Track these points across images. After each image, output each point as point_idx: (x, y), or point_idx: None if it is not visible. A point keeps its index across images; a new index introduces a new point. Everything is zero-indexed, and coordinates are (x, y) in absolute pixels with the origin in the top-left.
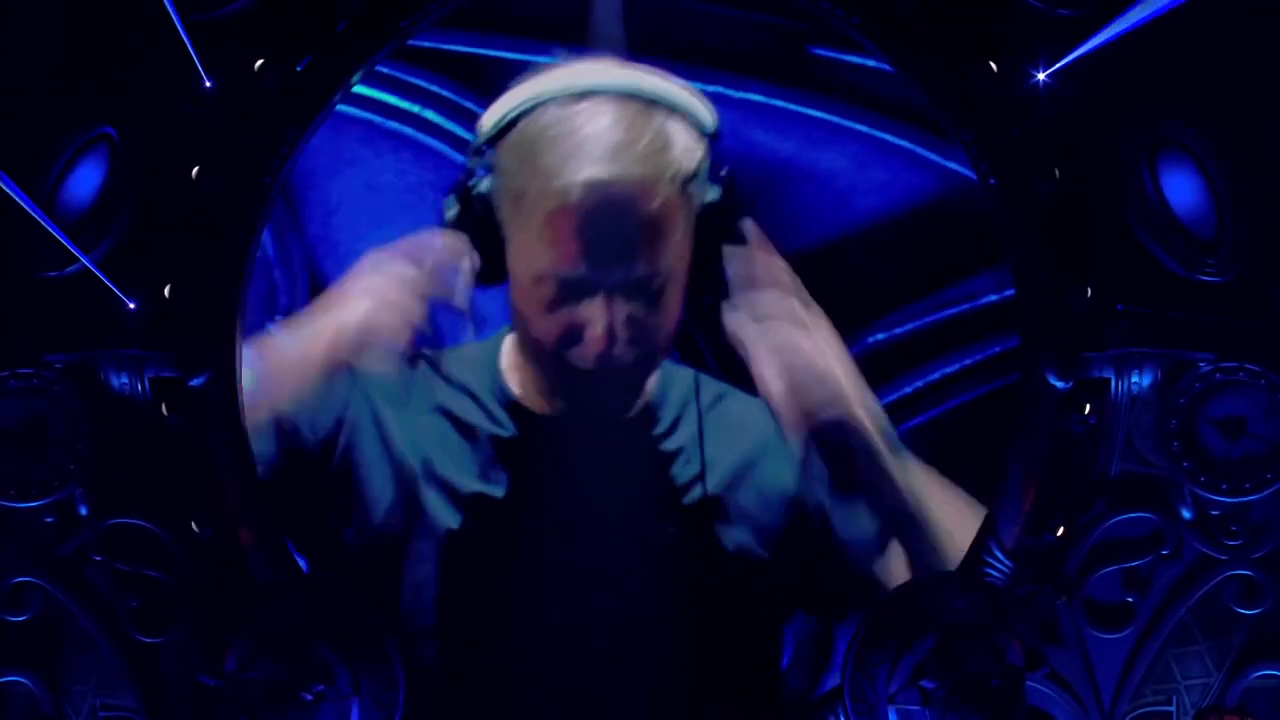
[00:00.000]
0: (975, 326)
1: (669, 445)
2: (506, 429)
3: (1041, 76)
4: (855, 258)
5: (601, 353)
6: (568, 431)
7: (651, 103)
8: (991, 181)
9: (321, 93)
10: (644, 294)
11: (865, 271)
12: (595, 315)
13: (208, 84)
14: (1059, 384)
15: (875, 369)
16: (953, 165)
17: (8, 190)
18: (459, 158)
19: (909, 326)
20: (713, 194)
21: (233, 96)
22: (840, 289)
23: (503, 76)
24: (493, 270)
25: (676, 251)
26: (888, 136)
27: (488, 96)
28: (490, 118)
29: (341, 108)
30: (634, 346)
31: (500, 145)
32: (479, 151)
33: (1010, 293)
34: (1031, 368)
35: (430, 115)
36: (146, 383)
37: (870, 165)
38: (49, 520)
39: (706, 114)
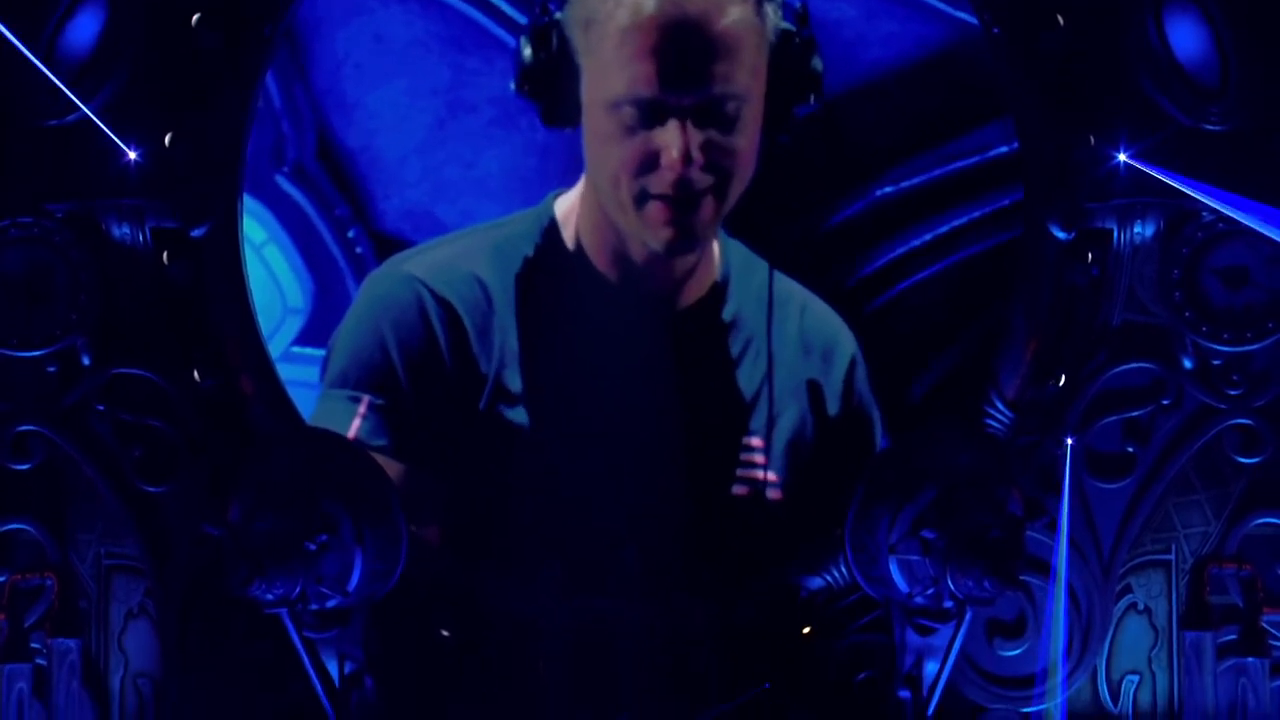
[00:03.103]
0: (985, 179)
1: (734, 344)
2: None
3: None
4: (863, 110)
5: (679, 177)
6: (619, 289)
7: None
8: (995, 31)
9: None
10: (719, 118)
11: (873, 124)
12: (671, 139)
13: None
14: (1061, 235)
15: (882, 222)
16: (962, 15)
17: (7, 37)
18: (466, 9)
19: (917, 180)
20: (787, 23)
21: None
22: (848, 142)
23: None
24: (568, 108)
25: (751, 74)
26: None
27: None
28: None
29: None
30: (710, 173)
31: None
32: None
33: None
34: (1034, 219)
35: None
36: (148, 233)
37: (878, 15)
38: (52, 370)
39: None
